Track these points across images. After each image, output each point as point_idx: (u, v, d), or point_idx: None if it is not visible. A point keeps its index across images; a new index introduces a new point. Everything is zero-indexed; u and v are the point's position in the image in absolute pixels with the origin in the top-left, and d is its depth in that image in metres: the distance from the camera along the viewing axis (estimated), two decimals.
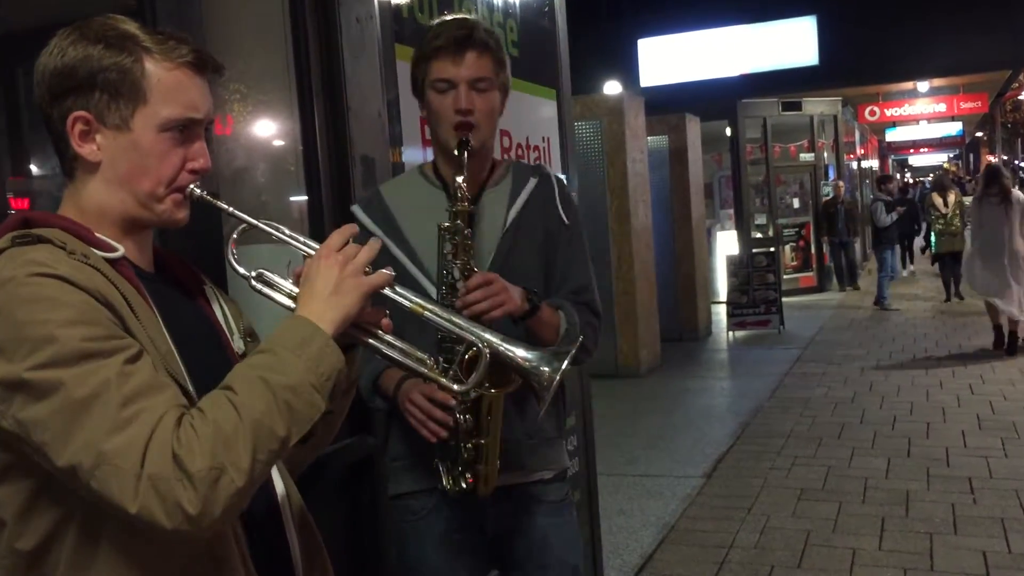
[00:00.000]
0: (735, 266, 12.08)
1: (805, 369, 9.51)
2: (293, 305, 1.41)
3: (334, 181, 2.51)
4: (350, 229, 1.43)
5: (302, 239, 1.45)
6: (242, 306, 1.62)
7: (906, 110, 19.34)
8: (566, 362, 1.57)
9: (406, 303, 1.48)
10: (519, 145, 3.53)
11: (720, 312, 12.61)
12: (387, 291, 1.44)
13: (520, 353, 1.55)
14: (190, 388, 1.31)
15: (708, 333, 12.19)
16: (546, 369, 1.55)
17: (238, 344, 1.53)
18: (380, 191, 2.31)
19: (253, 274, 1.46)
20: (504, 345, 1.53)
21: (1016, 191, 9.31)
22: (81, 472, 1.15)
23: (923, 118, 20.19)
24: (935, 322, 12.00)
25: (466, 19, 2.23)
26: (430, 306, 1.49)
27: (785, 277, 14.54)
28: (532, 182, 2.27)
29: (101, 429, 1.14)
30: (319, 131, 2.49)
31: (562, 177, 2.99)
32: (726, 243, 15.63)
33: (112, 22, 1.35)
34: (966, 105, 18.59)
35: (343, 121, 2.52)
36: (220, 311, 1.55)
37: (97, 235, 1.34)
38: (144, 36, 1.35)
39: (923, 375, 8.80)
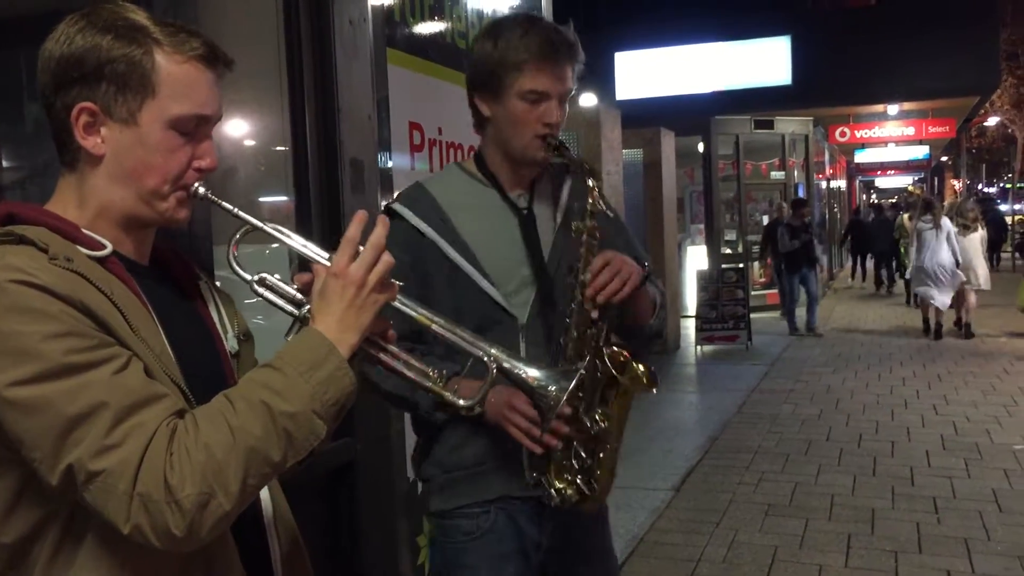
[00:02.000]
0: (705, 281, 12.15)
1: (772, 385, 9.58)
2: (296, 312, 1.39)
3: (323, 183, 2.50)
4: (363, 218, 1.36)
5: (312, 246, 1.39)
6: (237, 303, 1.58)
7: (876, 132, 19.61)
8: (573, 382, 1.53)
9: (413, 315, 1.43)
10: None
11: (689, 326, 12.68)
12: (397, 303, 1.40)
13: (529, 372, 1.51)
14: (186, 389, 1.28)
15: (676, 347, 12.25)
16: (553, 388, 1.51)
17: (231, 344, 1.50)
18: (424, 187, 2.16)
19: (255, 278, 1.42)
20: (511, 361, 1.49)
21: (944, 219, 11.90)
22: (74, 487, 1.14)
23: (892, 140, 20.48)
24: (900, 342, 12.15)
25: (555, 25, 2.08)
26: (436, 318, 1.45)
27: (753, 294, 14.64)
28: (569, 180, 2.21)
29: (93, 448, 1.13)
30: (309, 132, 2.47)
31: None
32: (696, 258, 15.72)
33: (121, 11, 1.32)
34: (934, 129, 18.89)
35: (334, 123, 2.51)
36: (215, 309, 1.51)
37: (84, 232, 1.30)
38: (154, 27, 1.31)
39: (888, 394, 8.90)
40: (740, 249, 16.18)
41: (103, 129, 1.30)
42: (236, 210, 1.40)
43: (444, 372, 1.47)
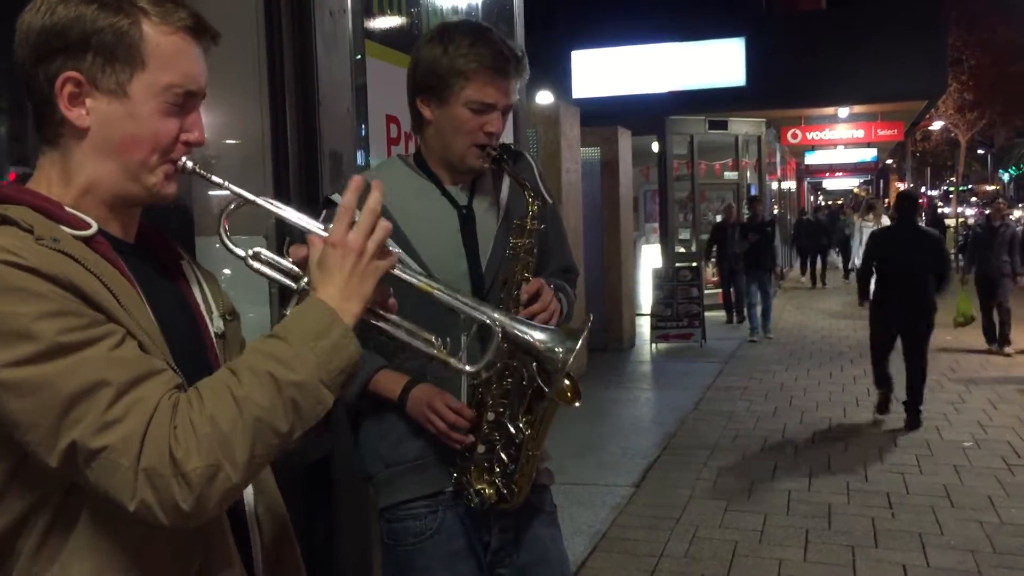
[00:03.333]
0: (660, 279, 12.25)
1: (727, 383, 9.70)
2: (294, 285, 1.37)
3: (303, 176, 2.47)
4: (359, 184, 1.35)
5: (307, 218, 1.37)
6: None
7: (826, 134, 19.93)
8: (580, 342, 1.52)
9: (415, 282, 1.42)
10: None
11: (643, 324, 12.78)
12: (397, 271, 1.39)
13: (534, 335, 1.50)
14: (175, 368, 1.25)
15: (632, 344, 12.34)
16: (560, 350, 1.51)
17: (216, 324, 1.47)
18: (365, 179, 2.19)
19: (250, 253, 1.39)
20: (517, 326, 1.49)
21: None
22: (76, 467, 1.12)
23: (842, 143, 20.82)
24: (850, 341, 12.36)
25: (504, 39, 2.09)
26: (437, 284, 1.44)
27: (706, 292, 14.78)
28: (507, 178, 2.23)
29: (94, 425, 1.10)
30: (290, 125, 2.45)
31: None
32: (650, 256, 15.84)
33: None
34: (883, 132, 19.24)
35: (314, 116, 2.49)
36: (198, 289, 1.48)
37: (68, 210, 1.26)
38: None
39: (840, 392, 9.06)
40: (694, 248, 16.34)
41: (88, 100, 1.26)
42: (227, 183, 1.37)
43: (448, 340, 1.48)
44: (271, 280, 1.41)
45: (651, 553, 4.91)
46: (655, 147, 16.26)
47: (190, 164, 1.34)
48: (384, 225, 1.33)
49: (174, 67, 1.28)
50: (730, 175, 17.26)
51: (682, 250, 16.29)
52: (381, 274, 1.33)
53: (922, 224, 8.81)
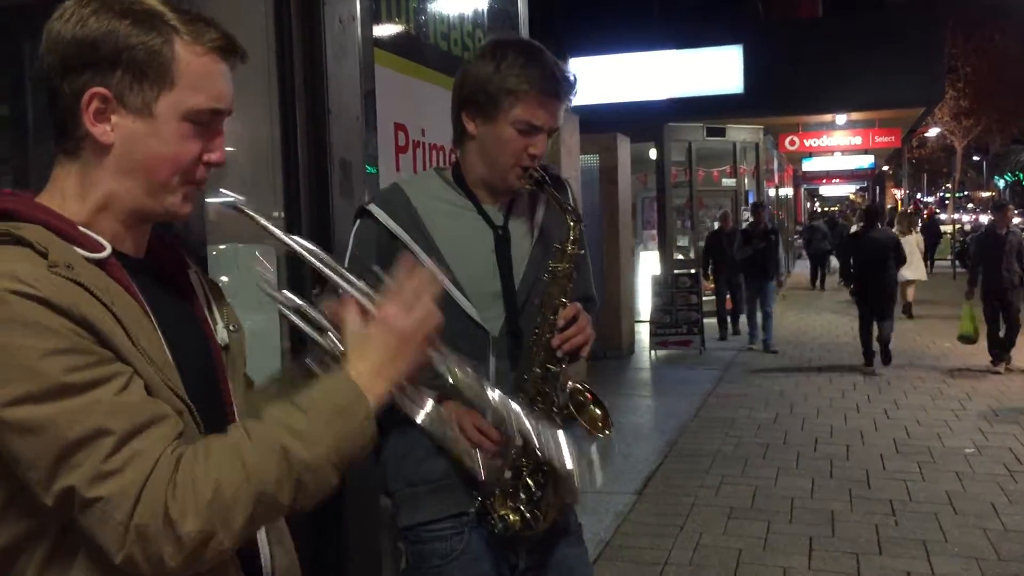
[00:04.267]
0: (659, 286, 12.25)
1: (727, 390, 9.69)
2: (318, 338, 1.35)
3: (312, 184, 2.47)
4: (412, 264, 1.33)
5: (354, 280, 1.33)
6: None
7: (824, 141, 19.97)
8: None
9: (450, 379, 1.37)
10: None
11: (642, 331, 12.77)
12: (441, 366, 1.35)
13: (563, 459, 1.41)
14: (186, 399, 1.23)
15: (631, 351, 12.32)
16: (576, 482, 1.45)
17: (221, 335, 1.44)
18: (402, 189, 2.14)
19: (281, 296, 1.37)
20: (539, 439, 1.41)
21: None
22: (70, 510, 1.10)
23: (839, 150, 20.88)
24: (849, 348, 12.35)
25: (556, 61, 2.07)
26: (469, 381, 1.38)
27: (704, 299, 14.77)
28: (544, 197, 2.21)
29: (91, 474, 1.08)
30: (299, 133, 2.44)
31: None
32: (648, 263, 15.84)
33: None
34: (881, 139, 19.27)
35: (323, 124, 2.48)
36: (204, 299, 1.45)
37: (83, 231, 1.24)
38: (172, 15, 1.25)
39: (840, 398, 9.06)
40: (692, 255, 16.34)
41: (113, 117, 1.24)
42: (271, 227, 1.34)
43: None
44: (296, 327, 1.38)
45: (656, 561, 4.90)
46: (652, 154, 16.26)
47: (232, 198, 1.35)
48: (436, 315, 1.30)
49: (202, 88, 1.26)
50: (728, 182, 17.27)
51: (680, 257, 16.29)
52: (418, 364, 1.30)
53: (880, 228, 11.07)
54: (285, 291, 1.38)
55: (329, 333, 1.34)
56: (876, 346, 10.52)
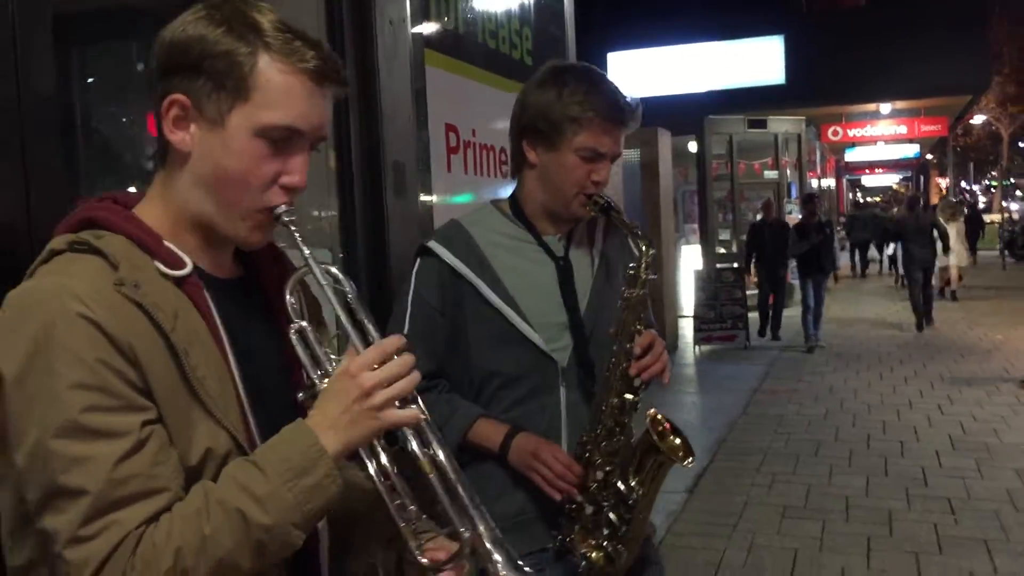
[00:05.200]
0: (702, 281, 12.13)
1: (774, 386, 9.57)
2: (314, 379, 1.28)
3: (366, 187, 2.44)
4: (396, 343, 1.23)
5: (369, 327, 1.27)
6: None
7: (868, 131, 19.68)
8: None
9: (421, 459, 1.26)
10: None
11: (686, 326, 12.65)
12: (412, 444, 1.25)
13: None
14: (239, 437, 1.21)
15: (675, 347, 12.22)
16: None
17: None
18: (462, 226, 2.11)
19: (296, 326, 1.31)
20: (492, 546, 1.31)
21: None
22: (51, 544, 1.09)
23: (883, 139, 20.56)
24: (898, 340, 12.18)
25: (617, 88, 2.06)
26: (437, 467, 1.26)
27: (748, 293, 14.62)
28: (602, 222, 2.19)
29: (67, 534, 1.07)
30: (353, 135, 2.42)
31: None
32: (690, 257, 15.71)
33: (246, 8, 1.24)
34: (926, 128, 18.96)
35: (377, 126, 2.45)
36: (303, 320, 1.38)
37: (166, 245, 1.23)
38: (272, 30, 1.22)
39: (891, 394, 8.90)
40: (734, 248, 16.17)
41: (192, 125, 1.23)
42: (309, 255, 1.29)
43: (424, 517, 1.30)
44: (300, 361, 1.31)
45: (710, 561, 4.83)
46: (692, 147, 16.12)
47: (286, 217, 1.27)
48: (406, 381, 1.21)
49: (279, 106, 1.22)
50: (770, 174, 17.08)
51: (723, 251, 16.13)
52: (377, 428, 1.21)
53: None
54: (304, 325, 1.31)
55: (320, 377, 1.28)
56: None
